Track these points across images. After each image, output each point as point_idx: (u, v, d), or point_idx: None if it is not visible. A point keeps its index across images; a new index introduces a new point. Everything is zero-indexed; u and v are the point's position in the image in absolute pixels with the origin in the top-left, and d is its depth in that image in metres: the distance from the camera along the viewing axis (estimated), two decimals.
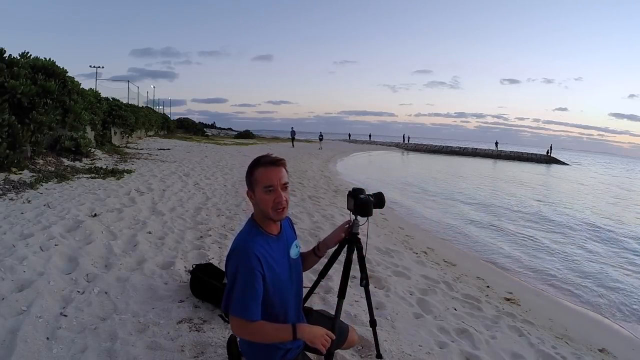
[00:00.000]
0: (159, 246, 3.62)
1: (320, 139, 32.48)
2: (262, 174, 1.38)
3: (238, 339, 1.59)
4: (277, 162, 1.40)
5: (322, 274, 1.92)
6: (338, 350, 2.08)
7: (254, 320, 1.35)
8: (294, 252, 1.54)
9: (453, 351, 2.42)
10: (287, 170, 1.44)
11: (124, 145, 13.96)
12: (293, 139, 31.27)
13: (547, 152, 44.23)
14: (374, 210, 1.73)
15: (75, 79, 8.54)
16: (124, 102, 18.14)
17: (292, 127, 31.81)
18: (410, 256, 4.69)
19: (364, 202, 1.69)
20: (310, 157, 20.25)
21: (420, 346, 2.44)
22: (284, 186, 1.40)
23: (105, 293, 2.57)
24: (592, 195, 16.32)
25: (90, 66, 28.13)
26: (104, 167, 7.75)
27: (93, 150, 9.48)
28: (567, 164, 40.60)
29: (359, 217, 1.74)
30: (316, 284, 2.06)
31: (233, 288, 1.34)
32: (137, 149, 13.66)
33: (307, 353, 1.64)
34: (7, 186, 5.01)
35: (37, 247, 3.09)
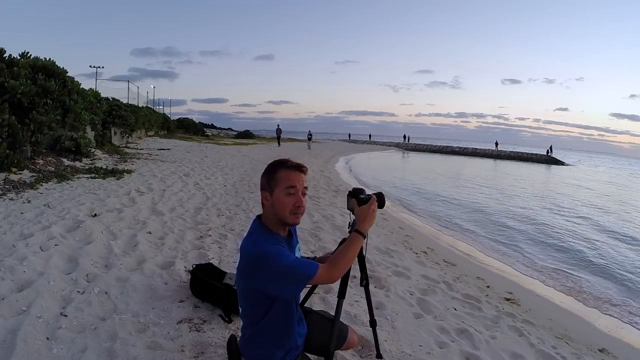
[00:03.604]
0: (159, 246, 3.62)
1: (309, 139, 30.69)
2: (286, 175, 1.40)
3: (238, 339, 1.59)
4: (302, 168, 1.43)
5: None
6: (337, 351, 2.08)
7: (317, 269, 1.34)
8: (297, 255, 1.55)
9: (453, 351, 2.43)
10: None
11: (124, 145, 13.95)
12: (279, 138, 29.25)
13: (547, 152, 44.19)
14: None
15: (75, 79, 8.52)
16: (124, 102, 18.14)
17: (277, 125, 29.84)
18: (410, 256, 4.69)
19: (363, 202, 1.69)
20: (310, 157, 20.25)
21: (420, 346, 2.44)
22: (304, 190, 1.43)
23: (105, 293, 2.57)
24: None
25: (90, 66, 28.11)
26: (104, 167, 7.74)
27: (93, 150, 9.47)
28: (573, 165, 38.73)
29: None
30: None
31: (286, 274, 1.31)
32: (137, 149, 13.65)
33: (307, 354, 1.64)
34: (7, 186, 5.01)
35: (37, 247, 3.09)
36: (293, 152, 21.58)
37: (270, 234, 1.42)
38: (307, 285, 1.98)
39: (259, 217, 1.49)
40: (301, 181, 1.41)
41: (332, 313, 1.76)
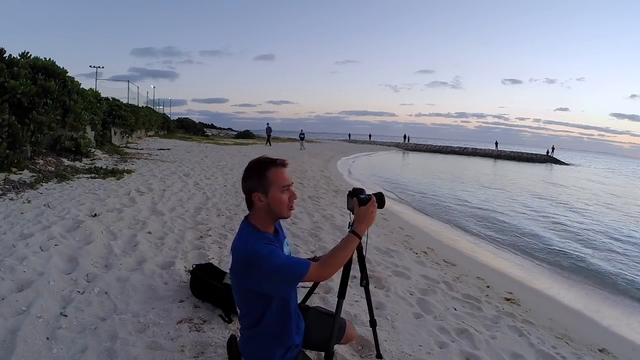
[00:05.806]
0: (159, 246, 3.62)
1: (302, 138, 29.04)
2: (278, 174, 1.43)
3: (238, 339, 1.59)
4: (285, 163, 1.48)
5: None
6: (337, 349, 2.08)
7: (309, 267, 1.36)
8: (286, 250, 1.57)
9: (453, 351, 2.43)
10: None
11: (124, 145, 13.95)
12: (269, 137, 28.14)
13: (547, 152, 44.16)
14: None
15: (75, 79, 8.53)
16: (124, 102, 18.13)
17: (267, 123, 28.15)
18: (410, 256, 4.69)
19: (364, 202, 1.69)
20: (310, 157, 20.25)
21: (420, 346, 2.44)
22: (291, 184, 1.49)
23: (105, 293, 2.57)
24: None
25: (90, 66, 28.07)
26: (104, 167, 7.74)
27: (93, 150, 9.47)
28: (573, 166, 39.37)
29: None
30: (316, 283, 2.06)
31: (278, 273, 1.33)
32: (137, 149, 13.65)
33: (306, 352, 1.64)
34: (7, 186, 5.01)
35: (37, 247, 3.09)
36: (289, 152, 21.59)
37: (260, 233, 1.43)
38: (306, 286, 1.98)
39: (246, 217, 1.51)
40: (290, 176, 1.47)
41: (331, 310, 1.76)
